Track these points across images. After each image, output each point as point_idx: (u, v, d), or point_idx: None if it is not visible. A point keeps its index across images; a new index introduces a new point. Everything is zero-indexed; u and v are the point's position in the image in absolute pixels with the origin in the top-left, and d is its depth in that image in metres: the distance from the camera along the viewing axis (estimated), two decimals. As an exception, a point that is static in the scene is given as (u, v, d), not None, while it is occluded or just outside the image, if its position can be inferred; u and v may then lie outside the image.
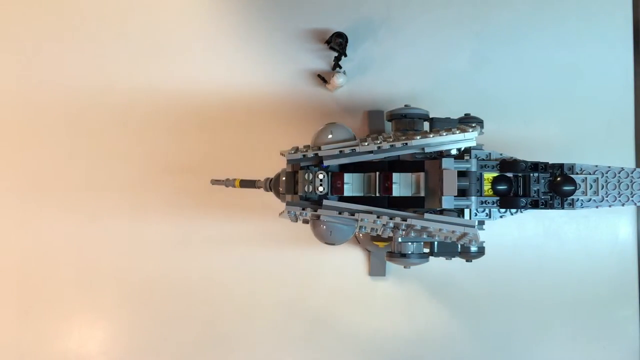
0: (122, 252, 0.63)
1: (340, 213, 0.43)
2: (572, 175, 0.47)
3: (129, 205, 0.63)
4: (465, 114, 0.53)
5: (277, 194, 0.47)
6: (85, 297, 0.62)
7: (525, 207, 0.48)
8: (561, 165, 0.48)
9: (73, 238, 0.63)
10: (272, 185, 0.48)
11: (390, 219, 0.43)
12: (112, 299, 0.62)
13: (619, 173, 0.49)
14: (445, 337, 0.63)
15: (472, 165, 0.45)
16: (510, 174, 0.47)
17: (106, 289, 0.62)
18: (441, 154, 0.45)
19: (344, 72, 0.63)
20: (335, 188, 0.44)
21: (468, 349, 0.63)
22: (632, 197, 0.49)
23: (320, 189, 0.44)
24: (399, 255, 0.50)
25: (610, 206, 0.49)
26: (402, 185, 0.45)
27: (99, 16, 0.64)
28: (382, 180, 0.44)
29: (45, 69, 0.64)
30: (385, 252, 0.53)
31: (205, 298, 0.63)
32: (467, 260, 0.51)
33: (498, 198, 0.47)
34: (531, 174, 0.47)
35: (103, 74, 0.64)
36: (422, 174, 0.45)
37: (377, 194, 0.44)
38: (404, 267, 0.51)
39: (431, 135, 0.44)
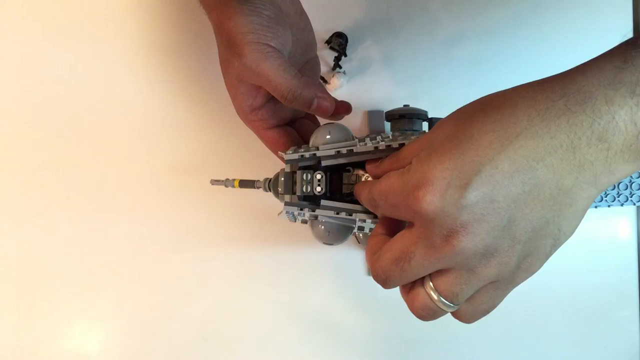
0: (122, 252, 0.63)
1: (337, 213, 0.43)
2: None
3: (129, 205, 0.63)
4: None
5: (276, 194, 0.47)
6: (85, 297, 0.63)
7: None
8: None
9: (73, 238, 0.63)
10: (271, 185, 0.48)
11: (389, 219, 0.43)
12: (112, 299, 0.63)
13: (618, 173, 0.48)
14: (445, 337, 0.63)
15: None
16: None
17: (106, 289, 0.63)
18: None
19: (344, 72, 0.63)
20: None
21: (468, 349, 0.63)
22: (631, 197, 0.49)
23: (318, 189, 0.44)
24: (397, 255, 0.49)
25: (609, 206, 0.49)
26: (400, 185, 0.44)
27: (98, 15, 0.64)
28: (380, 180, 0.44)
29: (46, 68, 0.64)
30: (384, 252, 0.52)
31: (204, 298, 0.63)
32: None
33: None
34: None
35: (103, 74, 0.64)
36: (420, 174, 0.44)
37: (376, 194, 0.44)
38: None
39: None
